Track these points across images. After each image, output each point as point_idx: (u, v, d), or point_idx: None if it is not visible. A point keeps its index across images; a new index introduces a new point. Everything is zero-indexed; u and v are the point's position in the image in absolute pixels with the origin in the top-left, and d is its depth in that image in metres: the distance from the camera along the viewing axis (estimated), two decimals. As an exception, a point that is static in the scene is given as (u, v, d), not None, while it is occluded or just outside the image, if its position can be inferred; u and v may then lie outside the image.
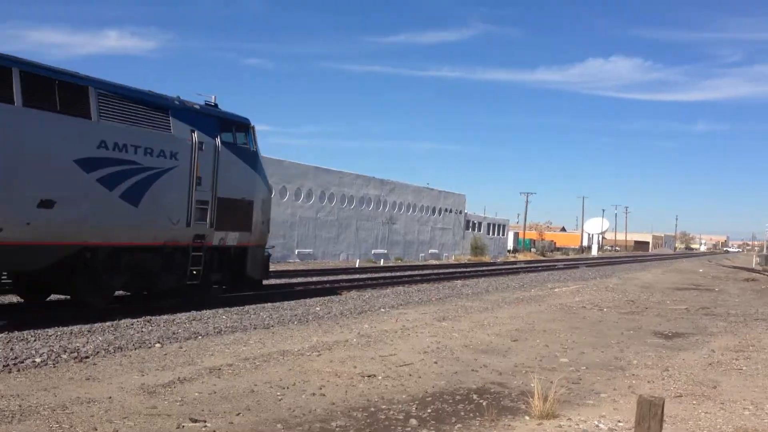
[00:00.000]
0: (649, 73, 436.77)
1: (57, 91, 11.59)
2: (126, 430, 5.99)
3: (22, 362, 8.51)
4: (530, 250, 77.88)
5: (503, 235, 72.05)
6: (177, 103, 14.31)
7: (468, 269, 30.26)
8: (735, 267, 60.52)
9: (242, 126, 16.07)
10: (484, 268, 31.48)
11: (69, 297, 13.68)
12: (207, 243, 14.69)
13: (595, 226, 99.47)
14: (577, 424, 6.59)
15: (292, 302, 16.03)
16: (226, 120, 15.56)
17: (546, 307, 17.50)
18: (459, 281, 24.63)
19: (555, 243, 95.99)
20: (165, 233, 13.78)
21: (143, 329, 11.34)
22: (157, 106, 13.74)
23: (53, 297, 14.03)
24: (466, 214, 62.66)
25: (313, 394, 7.51)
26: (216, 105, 15.67)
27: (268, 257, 16.97)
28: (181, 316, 12.87)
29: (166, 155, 13.58)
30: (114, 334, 10.76)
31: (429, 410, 7.08)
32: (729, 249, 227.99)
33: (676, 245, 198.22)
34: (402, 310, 15.65)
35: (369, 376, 8.49)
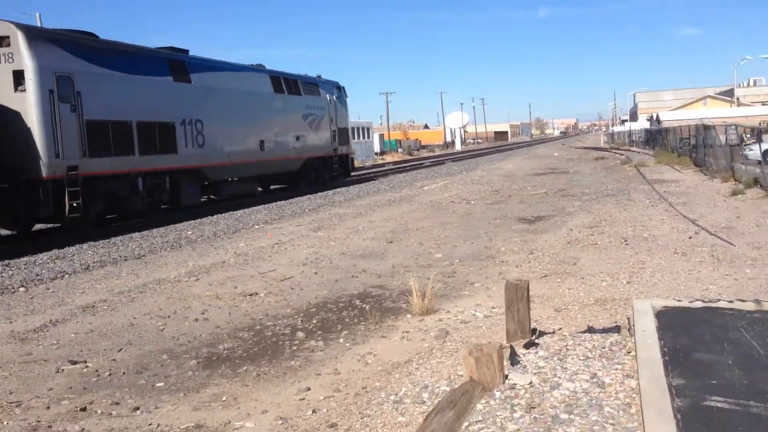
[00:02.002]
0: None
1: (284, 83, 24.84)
2: (1, 382, 5.72)
3: None
4: (397, 151, 79.06)
5: (368, 138, 72.48)
6: (321, 78, 28.34)
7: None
8: (586, 147, 64.44)
9: (340, 87, 29.67)
10: (354, 174, 31.79)
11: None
12: (337, 153, 28.61)
13: (455, 121, 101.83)
14: (456, 316, 6.96)
15: (161, 229, 15.56)
16: (336, 85, 29.32)
17: (417, 205, 18.02)
18: (330, 191, 24.72)
19: (420, 141, 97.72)
20: (326, 149, 27.85)
21: (3, 274, 10.68)
22: (315, 83, 27.59)
23: None
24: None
25: (196, 320, 7.44)
26: (319, 76, 28.41)
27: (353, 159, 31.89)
28: (43, 257, 12.19)
29: (320, 108, 27.26)
30: (-30, 285, 10.05)
31: (314, 321, 7.22)
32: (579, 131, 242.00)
33: (533, 132, 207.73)
34: (276, 225, 15.61)
35: (251, 295, 8.49)
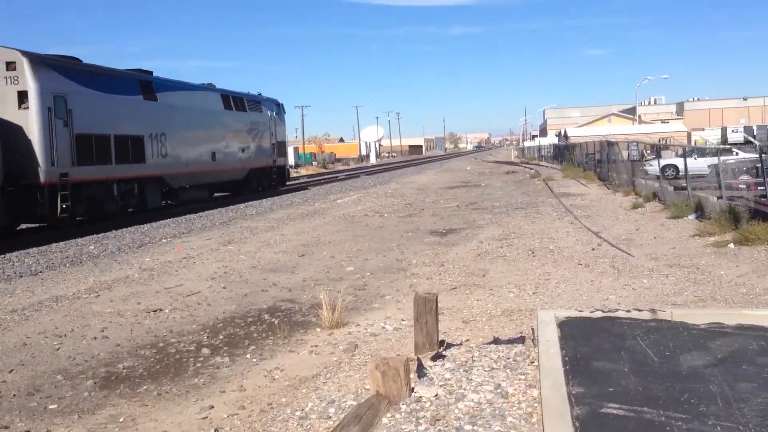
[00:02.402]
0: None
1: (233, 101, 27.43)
2: None
3: None
4: (312, 164, 78.77)
5: (284, 151, 71.81)
6: (262, 96, 31.08)
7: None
8: (498, 162, 66.07)
9: (279, 104, 32.30)
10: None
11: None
12: (276, 164, 31.34)
13: (370, 135, 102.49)
14: (365, 329, 6.92)
15: (61, 243, 14.86)
16: (276, 102, 31.96)
17: (330, 218, 17.94)
18: (242, 204, 24.31)
19: (335, 155, 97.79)
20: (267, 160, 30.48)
21: None
22: (258, 101, 30.30)
23: None
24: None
25: (95, 338, 7.10)
26: (260, 94, 31.05)
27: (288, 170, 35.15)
28: (-71, 274, 11.39)
29: (263, 123, 29.96)
30: None
31: (221, 337, 7.02)
32: (491, 146, 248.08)
33: (447, 146, 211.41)
34: (185, 238, 15.18)
35: (155, 311, 8.19)
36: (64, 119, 16.90)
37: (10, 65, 16.14)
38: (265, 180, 30.56)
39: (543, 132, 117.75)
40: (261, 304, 8.40)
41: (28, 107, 16.05)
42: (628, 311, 5.64)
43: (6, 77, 16.09)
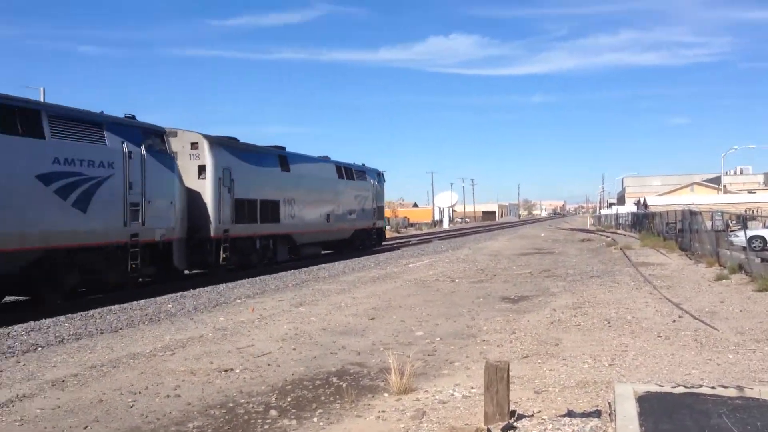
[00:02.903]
0: (488, 49, 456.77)
1: (344, 171, 31.81)
2: (-45, 461, 5.46)
3: None
4: (386, 228, 79.37)
5: (358, 214, 72.72)
6: (366, 166, 34.23)
7: (324, 251, 30.46)
8: (572, 229, 64.94)
9: (380, 173, 34.75)
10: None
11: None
12: (375, 226, 35.87)
13: (444, 200, 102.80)
14: (434, 395, 6.79)
15: (142, 301, 15.32)
16: (377, 171, 35.37)
17: (402, 282, 17.91)
18: (315, 266, 24.63)
19: (408, 219, 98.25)
20: (369, 222, 34.44)
21: (-27, 346, 10.38)
22: (363, 170, 34.78)
23: None
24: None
25: (168, 396, 7.22)
26: (364, 165, 33.54)
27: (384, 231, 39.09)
28: (17, 328, 11.92)
29: (366, 189, 33.32)
30: (-62, 355, 9.77)
31: (289, 399, 7.02)
32: (566, 213, 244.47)
33: (520, 212, 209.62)
34: (258, 299, 15.42)
35: (226, 371, 8.28)
36: (228, 187, 21.23)
37: (194, 145, 20.73)
38: (367, 240, 34.93)
39: (621, 200, 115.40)
40: (330, 367, 8.38)
41: (205, 178, 20.47)
42: (713, 387, 5.35)
43: (190, 154, 20.63)
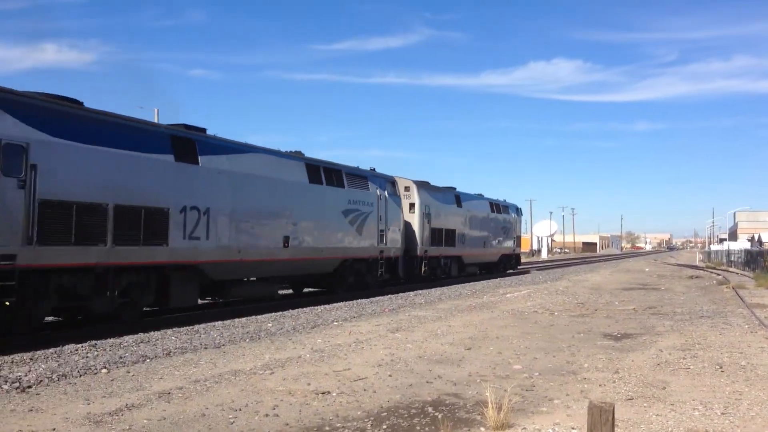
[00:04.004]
0: (590, 75, 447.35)
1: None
2: (70, 464, 5.76)
3: (-41, 396, 8.17)
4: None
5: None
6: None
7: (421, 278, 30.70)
8: (679, 265, 62.13)
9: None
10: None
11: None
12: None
13: (543, 229, 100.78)
14: (532, 433, 6.60)
15: (243, 319, 15.79)
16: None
17: (499, 313, 17.63)
18: (412, 292, 24.66)
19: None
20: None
21: (88, 354, 11.00)
22: (506, 205, 41.79)
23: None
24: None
25: (266, 415, 7.37)
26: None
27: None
28: (128, 339, 12.53)
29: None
30: (57, 361, 10.40)
31: (384, 426, 7.01)
32: (672, 246, 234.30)
33: (623, 245, 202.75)
34: (355, 323, 15.56)
35: (323, 393, 8.38)
36: (427, 220, 28.81)
37: (407, 188, 28.42)
38: (507, 264, 41.47)
39: (732, 236, 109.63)
40: (425, 396, 8.33)
41: (414, 212, 28.30)
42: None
43: (404, 195, 27.90)
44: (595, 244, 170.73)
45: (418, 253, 28.05)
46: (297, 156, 20.98)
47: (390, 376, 9.51)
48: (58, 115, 12.82)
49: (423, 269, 28.24)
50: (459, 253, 32.85)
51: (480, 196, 37.22)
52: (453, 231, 31.70)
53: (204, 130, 17.31)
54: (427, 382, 9.18)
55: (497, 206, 39.30)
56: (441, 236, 30.18)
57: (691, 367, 10.06)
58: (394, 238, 25.85)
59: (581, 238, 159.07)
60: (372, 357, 10.92)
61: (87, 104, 13.90)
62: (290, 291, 23.43)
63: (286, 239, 19.10)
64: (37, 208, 11.87)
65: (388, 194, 25.48)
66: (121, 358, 10.79)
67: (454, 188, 33.86)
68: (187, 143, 15.90)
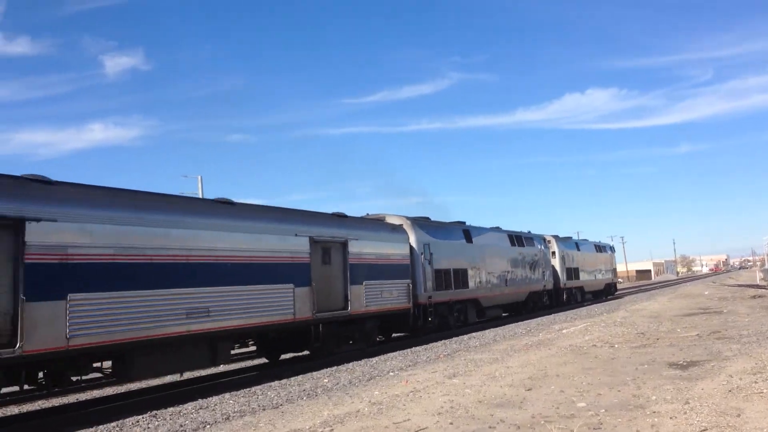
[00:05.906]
0: (626, 101, 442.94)
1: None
2: None
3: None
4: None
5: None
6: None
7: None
8: (740, 285, 60.14)
9: (612, 247, 52.59)
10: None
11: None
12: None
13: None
14: (604, 474, 6.35)
15: (299, 377, 15.74)
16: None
17: (556, 350, 17.23)
18: (465, 335, 24.32)
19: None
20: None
21: (149, 425, 11.06)
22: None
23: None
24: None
25: (329, 474, 7.25)
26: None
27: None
28: (188, 406, 12.58)
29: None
30: (120, 434, 10.48)
31: (450, 477, 6.83)
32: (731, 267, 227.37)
33: (678, 269, 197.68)
34: (411, 372, 15.36)
35: (385, 447, 8.22)
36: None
37: (548, 243, 39.25)
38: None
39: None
40: (489, 443, 8.09)
41: (555, 257, 39.53)
42: None
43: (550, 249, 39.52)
44: (649, 271, 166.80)
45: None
46: (499, 229, 34.46)
47: (451, 423, 9.31)
48: (434, 225, 28.36)
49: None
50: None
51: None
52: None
53: (464, 222, 31.13)
54: (490, 427, 8.96)
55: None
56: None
57: (765, 391, 9.62)
58: (548, 279, 39.01)
59: (634, 266, 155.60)
60: (431, 405, 10.72)
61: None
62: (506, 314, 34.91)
63: (506, 281, 32.64)
64: (433, 272, 25.96)
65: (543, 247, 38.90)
66: (181, 426, 10.82)
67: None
68: (465, 232, 29.81)
